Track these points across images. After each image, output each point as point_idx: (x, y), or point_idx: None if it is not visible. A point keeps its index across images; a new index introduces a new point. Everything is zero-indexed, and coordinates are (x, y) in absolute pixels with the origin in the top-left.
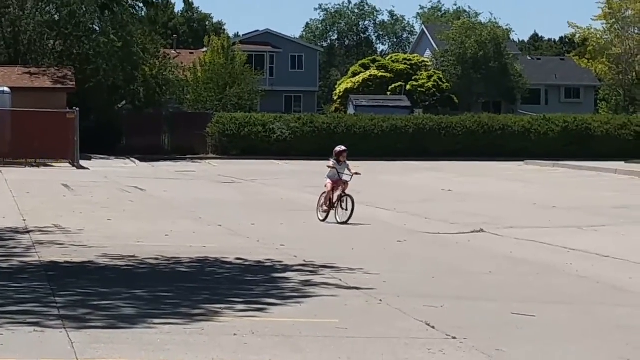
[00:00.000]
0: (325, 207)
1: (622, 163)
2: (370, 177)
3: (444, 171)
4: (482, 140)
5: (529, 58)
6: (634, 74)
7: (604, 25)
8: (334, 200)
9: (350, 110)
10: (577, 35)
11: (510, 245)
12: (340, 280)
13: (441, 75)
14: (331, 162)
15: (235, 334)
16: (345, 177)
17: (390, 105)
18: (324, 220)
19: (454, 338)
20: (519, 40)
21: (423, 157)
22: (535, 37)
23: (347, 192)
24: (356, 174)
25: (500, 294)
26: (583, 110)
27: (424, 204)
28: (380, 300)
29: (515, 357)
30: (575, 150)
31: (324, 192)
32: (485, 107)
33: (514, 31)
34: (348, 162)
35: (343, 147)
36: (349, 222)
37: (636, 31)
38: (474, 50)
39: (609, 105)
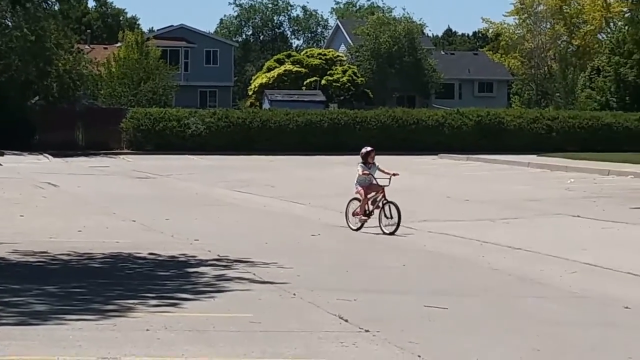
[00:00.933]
0: (361, 216)
1: (534, 156)
2: (285, 172)
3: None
4: (396, 135)
5: (443, 53)
6: (546, 68)
7: (517, 21)
8: (371, 208)
9: (266, 105)
10: (490, 30)
11: (424, 239)
12: (254, 274)
13: (356, 70)
14: (360, 168)
15: (148, 330)
16: (382, 182)
17: (305, 100)
18: (358, 230)
19: (367, 331)
20: (433, 35)
21: (338, 152)
22: (449, 32)
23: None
24: (394, 174)
25: (413, 287)
26: (496, 104)
27: (339, 198)
28: (294, 294)
29: (427, 349)
30: (489, 144)
31: (353, 199)
32: (399, 101)
33: (427, 26)
34: (377, 163)
35: (369, 147)
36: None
37: (548, 26)
38: (388, 45)
39: (522, 99)
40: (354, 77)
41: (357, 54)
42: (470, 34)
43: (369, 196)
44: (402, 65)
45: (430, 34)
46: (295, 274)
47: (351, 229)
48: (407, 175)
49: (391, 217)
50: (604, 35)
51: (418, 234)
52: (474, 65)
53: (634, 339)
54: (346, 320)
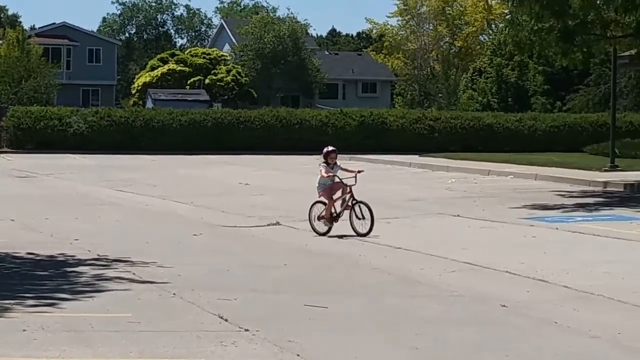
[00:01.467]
0: (325, 220)
1: (417, 156)
2: (168, 171)
3: (243, 165)
4: (280, 134)
5: (327, 53)
6: (429, 69)
7: (400, 22)
8: (339, 209)
9: (149, 104)
10: (374, 31)
11: (306, 238)
12: (134, 274)
13: (240, 70)
14: (322, 169)
15: (24, 330)
16: (347, 182)
17: (189, 99)
18: (326, 234)
19: (247, 330)
20: (317, 35)
21: (222, 151)
22: (333, 32)
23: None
24: (359, 171)
25: (294, 286)
26: (379, 104)
27: (222, 198)
28: (174, 294)
29: (306, 347)
30: (372, 144)
31: (317, 202)
32: (283, 101)
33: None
34: (339, 162)
35: (331, 147)
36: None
37: (431, 27)
38: (272, 45)
39: (405, 99)
40: (238, 77)
41: (241, 53)
42: (355, 34)
43: (335, 197)
44: (286, 65)
45: (314, 34)
46: (176, 273)
47: (318, 233)
48: (291, 175)
49: (363, 218)
50: (486, 37)
51: (300, 233)
52: (358, 65)
53: (511, 336)
54: (226, 320)
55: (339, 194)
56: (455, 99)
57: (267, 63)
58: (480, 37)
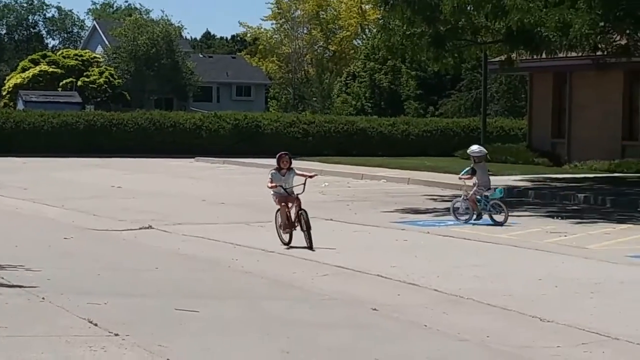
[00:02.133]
0: (286, 229)
1: None
2: (39, 174)
3: (115, 168)
4: (154, 137)
5: (201, 56)
6: (303, 72)
7: (274, 25)
8: (293, 218)
9: (20, 106)
10: (248, 35)
11: (178, 242)
12: (3, 278)
13: (113, 72)
14: (270, 178)
15: None
16: (294, 190)
17: (61, 101)
18: (288, 244)
19: (117, 335)
20: (191, 38)
21: (95, 154)
22: (207, 35)
23: (299, 205)
24: (311, 176)
25: (165, 290)
26: (254, 108)
27: (93, 201)
28: (43, 298)
29: (176, 352)
30: (246, 148)
31: (278, 210)
32: (157, 104)
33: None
34: (295, 167)
35: (283, 152)
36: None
37: (305, 31)
38: (146, 47)
39: (279, 103)
40: (111, 79)
41: (115, 55)
42: (229, 37)
43: (289, 204)
44: (160, 68)
45: (188, 37)
46: (45, 277)
47: (283, 243)
48: (164, 178)
49: (305, 229)
50: (360, 42)
51: (173, 237)
52: (232, 68)
53: (381, 339)
54: (96, 325)
55: (290, 203)
56: (330, 103)
57: (141, 65)
58: (354, 41)
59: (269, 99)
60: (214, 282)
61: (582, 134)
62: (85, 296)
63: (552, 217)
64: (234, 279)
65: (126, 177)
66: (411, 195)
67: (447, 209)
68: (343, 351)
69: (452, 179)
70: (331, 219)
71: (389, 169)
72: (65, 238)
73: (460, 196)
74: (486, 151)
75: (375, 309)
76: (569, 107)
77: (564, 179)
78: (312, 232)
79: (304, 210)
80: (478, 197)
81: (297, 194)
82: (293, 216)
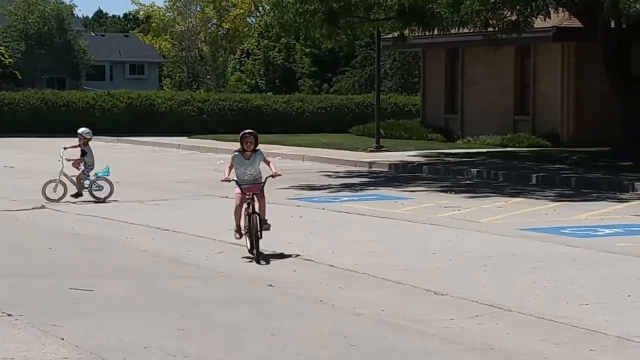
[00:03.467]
0: (242, 230)
1: (185, 138)
2: None
3: (7, 148)
4: (46, 117)
5: (94, 34)
6: (197, 50)
7: (167, 3)
8: (243, 222)
9: None
10: (141, 12)
11: (72, 221)
12: None
13: (3, 51)
14: (228, 164)
15: None
16: (261, 176)
17: None
18: (251, 251)
19: (10, 315)
20: (83, 17)
21: None
22: (99, 14)
23: (258, 205)
24: (273, 175)
25: (59, 270)
26: (148, 86)
27: None
28: None
29: (71, 331)
30: (141, 126)
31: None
32: (49, 83)
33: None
34: (263, 151)
35: (248, 130)
36: None
37: (198, 9)
38: (37, 26)
39: (173, 81)
40: (2, 58)
41: (5, 34)
42: (121, 15)
43: (245, 201)
44: (52, 47)
45: (80, 15)
46: None
47: (248, 251)
48: (56, 158)
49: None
50: (253, 19)
51: (67, 216)
52: (125, 47)
53: (277, 315)
54: None
55: (252, 193)
56: (224, 81)
57: (32, 44)
58: (248, 19)
59: (162, 78)
60: (108, 261)
61: (475, 109)
62: None
63: (446, 191)
64: (129, 258)
65: (19, 157)
66: (306, 172)
67: (342, 185)
68: (239, 327)
69: (347, 155)
70: (227, 197)
71: (284, 146)
72: None
73: (357, 173)
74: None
75: (271, 285)
76: (462, 83)
77: (457, 154)
78: (200, 209)
79: (256, 214)
80: (87, 176)
81: (263, 182)
82: (243, 222)
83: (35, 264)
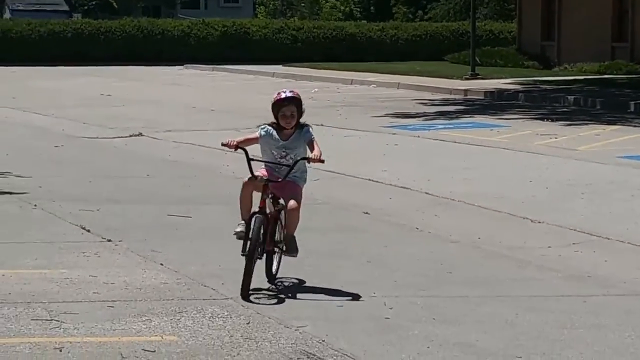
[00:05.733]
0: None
1: (280, 66)
2: (28, 83)
3: (104, 76)
4: (141, 45)
5: None
6: None
7: None
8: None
9: (7, 15)
10: None
11: (169, 149)
12: None
13: None
14: (257, 131)
15: None
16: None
17: (48, 9)
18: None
19: (109, 241)
20: None
21: (82, 62)
22: None
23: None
24: (313, 160)
25: (157, 197)
26: (242, 14)
27: (83, 109)
28: (35, 205)
29: (169, 257)
30: (235, 55)
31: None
32: (145, 11)
33: None
34: (311, 128)
35: (289, 92)
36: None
37: None
38: None
39: (267, 9)
40: None
41: None
42: None
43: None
44: None
45: None
46: (36, 184)
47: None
48: (153, 86)
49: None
50: None
51: (163, 144)
52: None
53: (373, 243)
54: (88, 231)
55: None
56: (318, 9)
57: None
58: None
59: (256, 5)
60: (205, 188)
61: (572, 36)
62: (77, 203)
63: (543, 119)
64: (226, 185)
65: (115, 85)
66: (401, 100)
67: (438, 113)
68: (335, 254)
69: (442, 83)
70: (322, 124)
71: (379, 74)
72: (55, 146)
73: (452, 100)
74: None
75: (367, 213)
76: (559, 10)
77: (553, 81)
78: None
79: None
80: None
81: (273, 180)
82: (268, 208)
83: (132, 191)
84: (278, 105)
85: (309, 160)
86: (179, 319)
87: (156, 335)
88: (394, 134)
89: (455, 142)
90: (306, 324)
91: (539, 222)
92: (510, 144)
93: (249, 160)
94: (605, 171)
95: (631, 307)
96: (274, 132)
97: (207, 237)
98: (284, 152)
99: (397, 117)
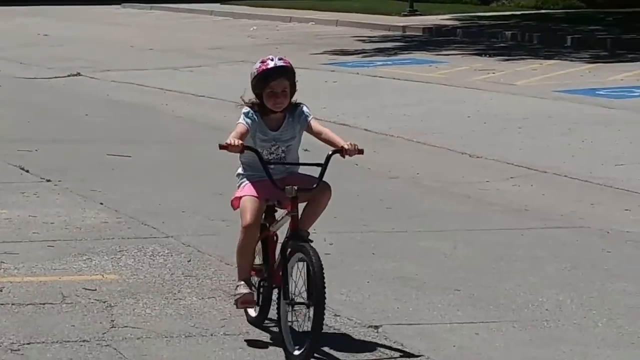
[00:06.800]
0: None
1: (219, 4)
2: None
3: (41, 16)
4: None
5: None
6: None
7: None
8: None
9: None
10: None
11: (108, 88)
12: None
13: None
14: (242, 122)
15: None
16: (295, 170)
17: None
18: (256, 322)
19: (49, 181)
20: None
21: (18, 2)
22: None
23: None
24: (348, 151)
25: (96, 137)
26: None
27: (20, 49)
28: None
29: (109, 196)
30: None
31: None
32: None
33: None
34: (305, 108)
35: (279, 60)
36: None
37: None
38: None
39: None
40: None
41: None
42: None
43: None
44: None
45: None
46: None
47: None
48: (92, 25)
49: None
50: None
51: (102, 84)
52: None
53: None
54: (27, 171)
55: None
56: None
57: None
58: None
59: None
60: (145, 127)
61: None
62: (16, 143)
63: (480, 55)
64: (165, 124)
65: (52, 25)
66: (340, 37)
67: (376, 50)
68: None
69: (381, 20)
70: None
71: (318, 12)
72: None
73: (390, 37)
74: None
75: (306, 150)
76: None
77: (491, 17)
78: (234, 75)
79: (307, 244)
80: None
81: (309, 189)
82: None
83: (71, 131)
84: (264, 78)
85: (343, 153)
86: (119, 258)
87: (97, 274)
88: (333, 71)
89: (394, 78)
90: None
91: (477, 157)
92: (449, 80)
93: (265, 165)
94: (542, 105)
95: (568, 239)
96: (256, 118)
97: (147, 176)
98: (273, 146)
99: (336, 54)
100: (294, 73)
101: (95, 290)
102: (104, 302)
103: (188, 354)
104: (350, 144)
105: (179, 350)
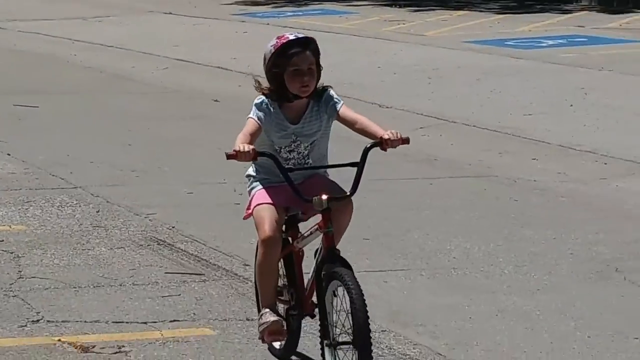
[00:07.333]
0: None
1: None
2: None
3: None
4: None
5: None
6: None
7: None
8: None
9: None
10: None
11: (14, 38)
12: None
13: None
14: (253, 116)
15: None
16: (324, 173)
17: None
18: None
19: None
20: None
21: None
22: None
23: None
24: (390, 142)
25: (3, 87)
26: None
27: None
28: None
29: (16, 147)
30: None
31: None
32: None
33: None
34: (333, 93)
35: (299, 35)
36: None
37: None
38: None
39: None
40: None
41: None
42: None
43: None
44: None
45: None
46: None
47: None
48: None
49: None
50: None
51: (8, 34)
52: None
53: (221, 129)
54: None
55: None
56: None
57: None
58: None
59: None
60: (53, 77)
61: None
62: None
63: (391, 5)
64: (73, 74)
65: None
66: None
67: (287, 0)
68: (186, 141)
69: None
70: (170, 13)
71: None
72: None
73: None
74: None
75: (216, 100)
76: None
77: None
78: (143, 25)
79: (343, 270)
80: None
81: (342, 196)
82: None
83: None
84: (284, 53)
85: (384, 145)
86: (27, 209)
87: (4, 225)
88: (243, 21)
89: (304, 29)
90: (156, 211)
91: (387, 107)
92: (359, 31)
93: (286, 172)
94: (451, 56)
95: (476, 188)
96: (272, 107)
97: (54, 126)
98: (293, 143)
99: (247, 4)
100: (319, 50)
101: (2, 241)
102: (12, 253)
103: (97, 304)
104: (392, 132)
105: (87, 300)
